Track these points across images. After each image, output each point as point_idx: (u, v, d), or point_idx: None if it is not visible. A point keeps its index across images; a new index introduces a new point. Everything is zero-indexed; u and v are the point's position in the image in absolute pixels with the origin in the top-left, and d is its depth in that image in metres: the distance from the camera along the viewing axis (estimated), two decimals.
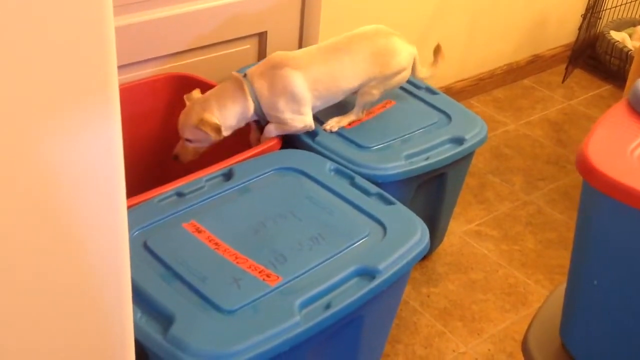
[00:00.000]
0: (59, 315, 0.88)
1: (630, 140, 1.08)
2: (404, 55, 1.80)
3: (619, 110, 1.14)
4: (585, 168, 1.04)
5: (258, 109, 1.68)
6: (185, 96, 1.72)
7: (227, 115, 1.66)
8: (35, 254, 0.82)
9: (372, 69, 1.76)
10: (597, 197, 1.05)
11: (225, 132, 1.67)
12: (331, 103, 1.78)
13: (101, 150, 0.84)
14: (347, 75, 1.74)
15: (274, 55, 1.72)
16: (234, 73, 1.71)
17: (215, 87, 1.71)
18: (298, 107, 1.69)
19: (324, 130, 1.77)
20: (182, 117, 1.68)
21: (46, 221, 0.82)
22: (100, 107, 0.81)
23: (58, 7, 0.72)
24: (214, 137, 1.64)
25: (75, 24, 0.74)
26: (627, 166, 1.03)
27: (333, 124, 1.78)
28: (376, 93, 1.79)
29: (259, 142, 1.75)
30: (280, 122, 1.70)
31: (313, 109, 1.73)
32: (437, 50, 1.93)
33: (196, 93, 1.71)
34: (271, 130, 1.71)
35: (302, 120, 1.71)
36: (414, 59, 1.84)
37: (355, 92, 1.80)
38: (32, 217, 0.80)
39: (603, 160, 1.03)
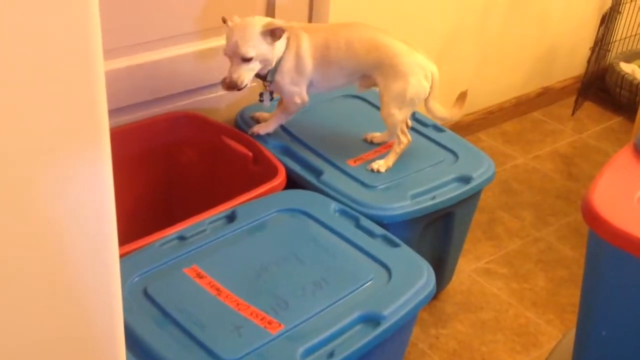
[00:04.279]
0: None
1: (637, 187, 1.06)
2: (406, 59, 1.72)
3: (625, 155, 1.11)
4: (591, 216, 1.01)
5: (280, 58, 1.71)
6: (224, 19, 1.66)
7: (274, 46, 1.68)
8: (23, 303, 0.81)
9: (366, 56, 1.74)
10: (603, 246, 1.02)
11: (275, 57, 1.68)
12: (335, 83, 1.79)
13: (91, 197, 0.82)
14: (341, 50, 1.74)
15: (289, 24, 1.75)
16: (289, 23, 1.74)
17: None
18: (298, 77, 1.73)
19: (372, 169, 1.77)
20: (235, 34, 1.62)
21: (32, 272, 0.80)
22: (90, 154, 0.79)
23: (43, 51, 0.71)
24: (282, 35, 1.64)
25: (62, 69, 0.73)
26: (634, 215, 1.00)
27: (380, 163, 1.77)
28: (395, 112, 1.73)
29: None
30: (282, 95, 1.76)
31: (311, 87, 1.77)
32: (461, 96, 1.85)
33: (236, 17, 1.67)
34: (278, 114, 1.80)
35: (299, 94, 1.75)
36: (431, 78, 1.75)
37: (362, 81, 1.79)
38: (16, 267, 0.79)
39: (609, 208, 1.01)
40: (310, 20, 2.08)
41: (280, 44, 1.69)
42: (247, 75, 1.64)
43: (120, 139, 1.76)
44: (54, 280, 0.82)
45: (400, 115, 1.75)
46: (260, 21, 1.65)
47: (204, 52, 1.87)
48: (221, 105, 1.96)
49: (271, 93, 1.80)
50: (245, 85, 1.66)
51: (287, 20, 1.77)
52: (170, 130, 1.87)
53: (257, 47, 1.63)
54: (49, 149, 0.76)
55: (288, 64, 1.72)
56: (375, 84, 1.78)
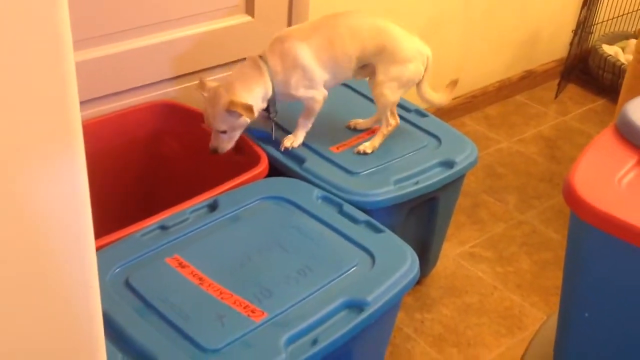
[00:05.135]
0: (23, 352, 0.85)
1: (618, 168, 1.05)
2: (407, 44, 1.74)
3: (606, 137, 1.11)
4: (572, 199, 1.01)
5: (274, 90, 1.67)
6: (197, 88, 1.67)
7: (253, 96, 1.65)
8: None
9: (370, 41, 1.72)
10: (584, 229, 1.02)
11: (255, 113, 1.65)
12: (341, 77, 1.76)
13: (64, 189, 0.80)
14: (345, 39, 1.70)
15: (280, 33, 1.71)
16: (251, 54, 1.70)
17: (234, 70, 1.70)
18: (310, 82, 1.69)
19: (358, 152, 1.76)
20: (208, 108, 1.65)
21: (8, 268, 0.79)
22: (61, 146, 0.77)
23: (10, 44, 0.69)
24: (247, 116, 1.61)
25: (30, 62, 0.71)
26: (615, 196, 1.00)
27: (367, 145, 1.76)
28: (388, 92, 1.74)
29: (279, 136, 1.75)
30: (304, 105, 1.72)
31: (325, 84, 1.72)
32: (452, 83, 1.89)
33: (209, 82, 1.67)
34: (301, 121, 1.74)
35: (318, 95, 1.71)
36: (426, 62, 1.77)
37: (361, 70, 1.76)
38: None
39: (590, 190, 1.00)
40: (290, 12, 2.04)
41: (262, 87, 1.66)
42: (226, 144, 1.67)
43: (101, 129, 1.75)
44: (29, 273, 0.81)
45: (392, 97, 1.76)
46: (227, 97, 1.61)
47: (182, 40, 1.85)
48: None
49: (275, 124, 1.76)
50: (228, 150, 1.68)
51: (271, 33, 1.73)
52: (151, 120, 1.85)
53: (227, 122, 1.64)
54: (19, 141, 0.74)
55: (294, 79, 1.68)
56: (372, 71, 1.77)
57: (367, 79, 1.82)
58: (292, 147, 1.74)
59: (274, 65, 1.66)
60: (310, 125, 1.76)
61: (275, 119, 1.75)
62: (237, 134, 1.67)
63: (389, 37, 1.73)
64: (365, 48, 1.72)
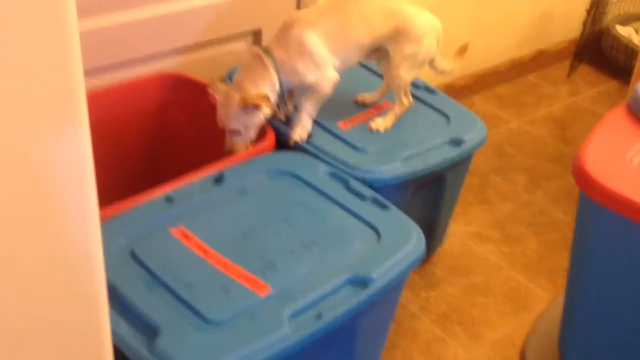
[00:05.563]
0: (27, 322, 0.85)
1: (629, 147, 1.04)
2: (420, 20, 1.71)
3: (618, 115, 1.09)
4: (582, 177, 0.99)
5: (280, 82, 1.63)
6: (209, 89, 1.65)
7: (263, 90, 1.61)
8: (4, 263, 0.79)
9: (383, 25, 1.68)
10: (594, 208, 1.01)
11: (275, 82, 1.62)
12: (351, 62, 1.71)
13: (69, 159, 0.79)
14: (357, 26, 1.67)
15: (286, 18, 1.67)
16: (254, 48, 1.66)
17: (241, 68, 1.67)
18: (318, 67, 1.64)
19: (371, 128, 1.73)
20: (220, 109, 1.62)
21: (13, 233, 0.79)
22: (65, 116, 0.76)
23: (15, 14, 0.68)
24: (265, 105, 1.58)
25: (35, 30, 0.70)
26: (626, 176, 0.99)
27: (379, 122, 1.74)
28: (404, 74, 1.72)
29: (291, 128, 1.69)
30: (308, 90, 1.65)
31: (335, 69, 1.67)
32: (462, 49, 1.86)
33: (219, 83, 1.65)
34: (307, 108, 1.67)
35: (328, 80, 1.65)
36: (437, 36, 1.75)
37: (372, 52, 1.73)
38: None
39: (600, 169, 0.99)
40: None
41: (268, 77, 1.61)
42: (239, 144, 1.63)
43: (107, 98, 1.74)
44: (33, 242, 0.81)
45: (408, 77, 1.74)
46: (237, 94, 1.58)
47: (190, 10, 1.83)
48: (209, 65, 1.92)
49: (287, 114, 1.71)
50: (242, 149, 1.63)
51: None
52: (157, 91, 1.84)
53: (241, 120, 1.60)
54: (21, 108, 0.73)
55: (301, 65, 1.63)
56: (384, 53, 1.74)
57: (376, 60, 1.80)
58: (302, 141, 1.68)
59: (278, 55, 1.62)
60: (315, 112, 1.69)
61: (285, 112, 1.71)
62: (251, 134, 1.63)
63: (402, 17, 1.70)
64: (378, 33, 1.69)
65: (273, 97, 1.64)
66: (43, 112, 0.75)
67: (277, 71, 1.62)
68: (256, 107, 1.58)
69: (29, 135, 0.75)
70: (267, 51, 1.64)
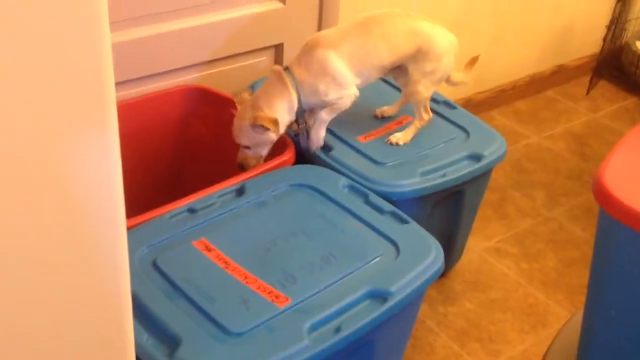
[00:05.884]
0: (53, 330, 0.86)
1: None
2: (440, 39, 1.73)
3: (638, 133, 1.10)
4: (602, 194, 1.00)
5: (299, 101, 1.65)
6: (235, 100, 1.69)
7: (277, 110, 1.63)
8: (33, 270, 0.81)
9: (405, 46, 1.70)
10: (614, 226, 1.01)
11: (282, 128, 1.64)
12: (371, 81, 1.73)
13: (98, 169, 0.81)
14: (380, 47, 1.68)
15: (309, 38, 1.69)
16: (275, 66, 1.69)
17: (262, 85, 1.69)
18: (340, 87, 1.66)
19: (390, 142, 1.75)
20: (236, 123, 1.66)
21: (42, 245, 0.80)
22: (96, 127, 0.78)
23: (51, 27, 0.70)
24: (273, 130, 1.60)
25: (69, 44, 0.73)
26: None
27: (399, 136, 1.76)
28: (423, 90, 1.74)
29: (308, 141, 1.71)
30: (328, 105, 1.67)
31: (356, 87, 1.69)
32: (473, 60, 1.88)
33: (246, 95, 1.68)
34: (323, 117, 1.68)
35: (348, 96, 1.67)
36: (455, 52, 1.77)
37: (394, 70, 1.75)
38: (27, 238, 0.79)
39: (620, 186, 0.99)
40: (321, 8, 2.03)
41: (285, 103, 1.63)
42: (251, 159, 1.66)
43: (132, 111, 1.76)
44: (62, 250, 0.82)
45: (427, 93, 1.76)
46: (252, 113, 1.61)
47: (214, 24, 1.86)
48: (231, 78, 1.95)
49: (306, 131, 1.72)
50: (254, 165, 1.66)
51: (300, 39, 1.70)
52: (181, 104, 1.86)
53: (250, 137, 1.63)
54: (57, 120, 0.75)
55: (322, 86, 1.64)
56: (403, 70, 1.75)
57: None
58: (318, 151, 1.71)
59: (299, 75, 1.64)
60: (328, 121, 1.70)
61: (304, 129, 1.71)
62: (262, 151, 1.66)
63: (423, 37, 1.72)
64: (400, 54, 1.71)
65: (290, 116, 1.66)
66: (76, 121, 0.77)
67: (297, 90, 1.64)
68: (265, 128, 1.60)
69: (61, 145, 0.77)
70: (288, 70, 1.66)
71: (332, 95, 1.66)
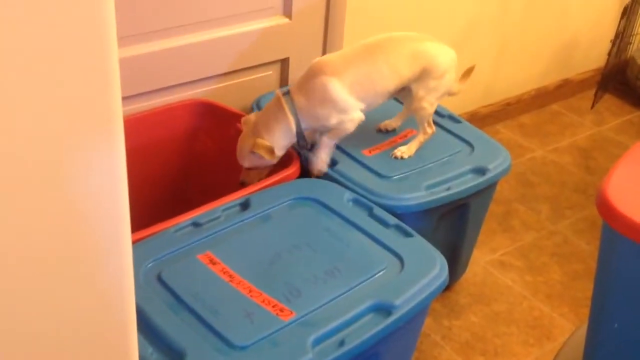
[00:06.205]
0: (58, 344, 0.87)
1: None
2: (442, 57, 1.75)
3: None
4: (605, 208, 1.00)
5: (298, 125, 1.66)
6: (242, 120, 1.71)
7: (275, 135, 1.65)
8: (36, 283, 0.82)
9: (410, 71, 1.71)
10: (617, 239, 1.01)
11: (279, 152, 1.66)
12: (375, 105, 1.74)
13: (104, 182, 0.82)
14: (385, 75, 1.70)
15: (313, 63, 1.70)
16: (277, 91, 1.70)
17: (263, 109, 1.71)
18: (342, 112, 1.66)
19: (395, 156, 1.76)
20: (238, 144, 1.68)
21: (47, 258, 0.81)
22: (103, 141, 0.79)
23: (57, 40, 0.71)
24: (268, 158, 1.63)
25: (76, 58, 0.73)
26: None
27: (403, 150, 1.77)
28: (427, 106, 1.75)
29: (315, 165, 1.71)
30: (332, 130, 1.68)
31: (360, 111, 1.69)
32: (468, 71, 1.90)
33: (252, 116, 1.70)
34: (325, 141, 1.69)
35: (352, 120, 1.68)
36: (455, 66, 1.79)
37: (398, 94, 1.77)
38: (32, 252, 0.80)
39: (624, 200, 1.00)
40: (327, 14, 2.03)
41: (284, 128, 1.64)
42: (253, 178, 1.68)
43: (138, 125, 1.78)
44: (67, 263, 0.83)
45: (431, 109, 1.78)
46: (252, 138, 1.63)
47: (221, 40, 1.87)
48: (238, 93, 1.96)
49: (311, 146, 1.73)
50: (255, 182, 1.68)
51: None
52: (187, 118, 1.87)
53: (250, 161, 1.67)
54: (64, 132, 0.76)
55: (323, 112, 1.65)
56: (407, 89, 1.76)
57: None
58: (321, 174, 1.71)
59: (299, 101, 1.65)
60: (334, 146, 1.71)
61: (307, 150, 1.72)
62: (263, 172, 1.69)
63: (427, 58, 1.73)
64: (404, 79, 1.72)
65: (290, 140, 1.67)
66: (83, 135, 0.77)
67: (296, 115, 1.65)
68: (261, 157, 1.63)
69: (67, 159, 0.77)
70: (288, 95, 1.67)
71: (333, 121, 1.67)
